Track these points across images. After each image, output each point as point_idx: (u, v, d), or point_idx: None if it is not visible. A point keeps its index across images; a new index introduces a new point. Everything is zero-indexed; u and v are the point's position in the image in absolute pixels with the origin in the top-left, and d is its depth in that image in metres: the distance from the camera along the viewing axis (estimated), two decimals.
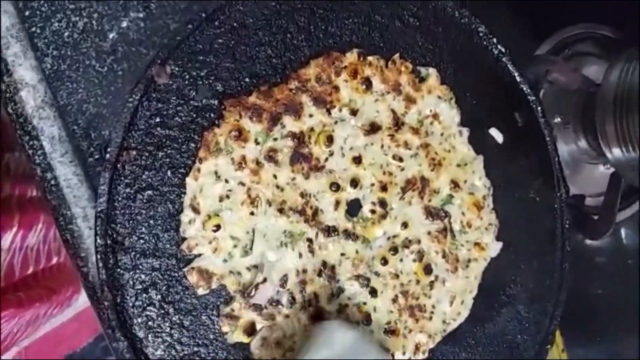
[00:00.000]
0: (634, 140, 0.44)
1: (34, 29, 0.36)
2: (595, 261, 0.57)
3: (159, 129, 0.32)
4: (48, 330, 0.66)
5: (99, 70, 0.37)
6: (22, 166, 0.54)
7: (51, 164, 0.38)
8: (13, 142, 0.59)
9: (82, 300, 0.66)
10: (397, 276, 0.38)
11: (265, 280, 0.34)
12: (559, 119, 0.55)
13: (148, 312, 0.31)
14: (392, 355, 0.37)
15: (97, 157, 0.36)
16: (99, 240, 0.30)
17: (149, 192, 0.31)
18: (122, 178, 0.31)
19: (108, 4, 0.36)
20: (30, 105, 0.37)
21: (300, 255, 0.35)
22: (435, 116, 0.40)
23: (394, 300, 0.38)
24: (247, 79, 0.34)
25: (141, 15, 0.37)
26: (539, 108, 0.46)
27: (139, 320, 0.31)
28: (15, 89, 0.37)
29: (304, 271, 0.35)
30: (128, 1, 0.36)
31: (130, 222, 0.31)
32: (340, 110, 0.37)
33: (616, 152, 0.45)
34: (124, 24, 0.37)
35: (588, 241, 0.55)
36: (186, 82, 0.32)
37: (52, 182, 0.38)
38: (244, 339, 0.33)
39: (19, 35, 0.36)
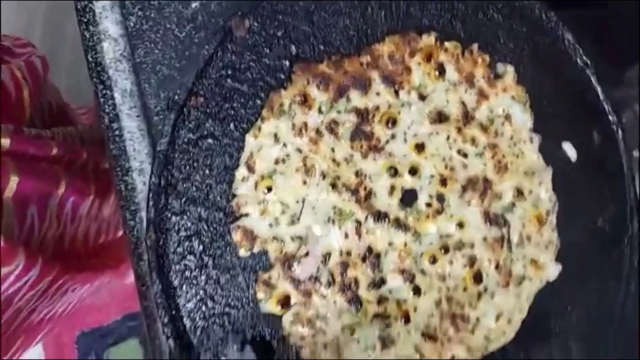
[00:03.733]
0: None
1: None
2: None
3: (229, 80, 0.32)
4: None
5: (177, 35, 0.38)
6: (95, 137, 0.57)
7: (119, 115, 0.39)
8: (77, 115, 0.62)
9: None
10: (444, 279, 0.36)
11: (307, 254, 0.32)
12: (637, 154, 0.51)
13: (187, 262, 0.31)
14: None
15: (162, 116, 0.37)
16: (153, 179, 0.30)
17: (210, 140, 0.31)
18: (186, 122, 0.31)
19: None
20: (110, 56, 0.39)
21: (347, 236, 0.34)
22: (507, 117, 0.38)
23: (438, 303, 0.35)
24: (321, 46, 0.33)
25: None
26: (620, 131, 0.42)
27: (177, 267, 0.30)
28: (99, 39, 0.39)
29: (348, 253, 0.34)
30: None
31: (187, 167, 0.31)
32: (408, 92, 0.35)
33: None
34: None
35: None
36: (262, 39, 0.32)
37: (117, 132, 0.39)
38: (277, 311, 0.32)
39: None
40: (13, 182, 0.42)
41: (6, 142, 0.42)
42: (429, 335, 0.35)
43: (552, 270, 0.39)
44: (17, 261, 0.41)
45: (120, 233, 0.58)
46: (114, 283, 0.60)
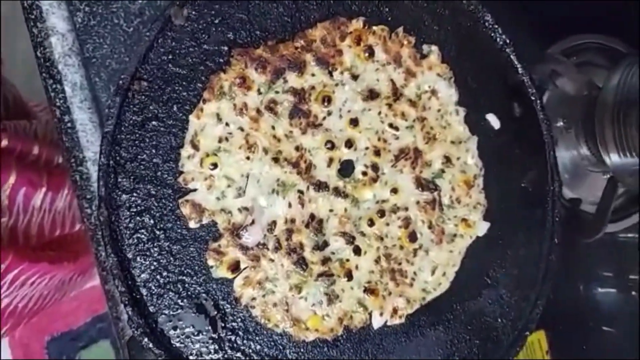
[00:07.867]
0: (632, 144, 0.45)
1: None
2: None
3: (170, 65, 0.34)
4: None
5: (125, 29, 0.40)
6: (49, 134, 0.58)
7: (70, 108, 0.40)
8: (35, 112, 0.63)
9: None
10: (381, 239, 0.39)
11: (254, 222, 0.35)
12: (561, 123, 0.56)
13: (139, 235, 0.33)
14: (370, 314, 0.38)
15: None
16: (102, 159, 0.32)
17: (154, 122, 0.33)
18: (131, 106, 0.33)
19: None
20: (58, 51, 0.40)
21: (290, 205, 0.37)
22: (433, 92, 0.42)
23: (377, 261, 0.39)
24: (257, 32, 0.36)
25: None
26: (538, 101, 0.47)
27: (130, 241, 0.33)
28: (46, 34, 0.40)
29: (292, 220, 0.37)
30: None
31: (134, 147, 0.33)
32: (341, 73, 0.39)
33: (614, 157, 0.46)
34: None
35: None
36: (200, 27, 0.35)
37: (69, 124, 0.40)
38: (228, 275, 0.35)
39: None
40: None
41: None
42: (370, 290, 0.38)
43: (482, 228, 0.43)
44: None
45: (77, 227, 0.59)
46: (79, 282, 0.61)
